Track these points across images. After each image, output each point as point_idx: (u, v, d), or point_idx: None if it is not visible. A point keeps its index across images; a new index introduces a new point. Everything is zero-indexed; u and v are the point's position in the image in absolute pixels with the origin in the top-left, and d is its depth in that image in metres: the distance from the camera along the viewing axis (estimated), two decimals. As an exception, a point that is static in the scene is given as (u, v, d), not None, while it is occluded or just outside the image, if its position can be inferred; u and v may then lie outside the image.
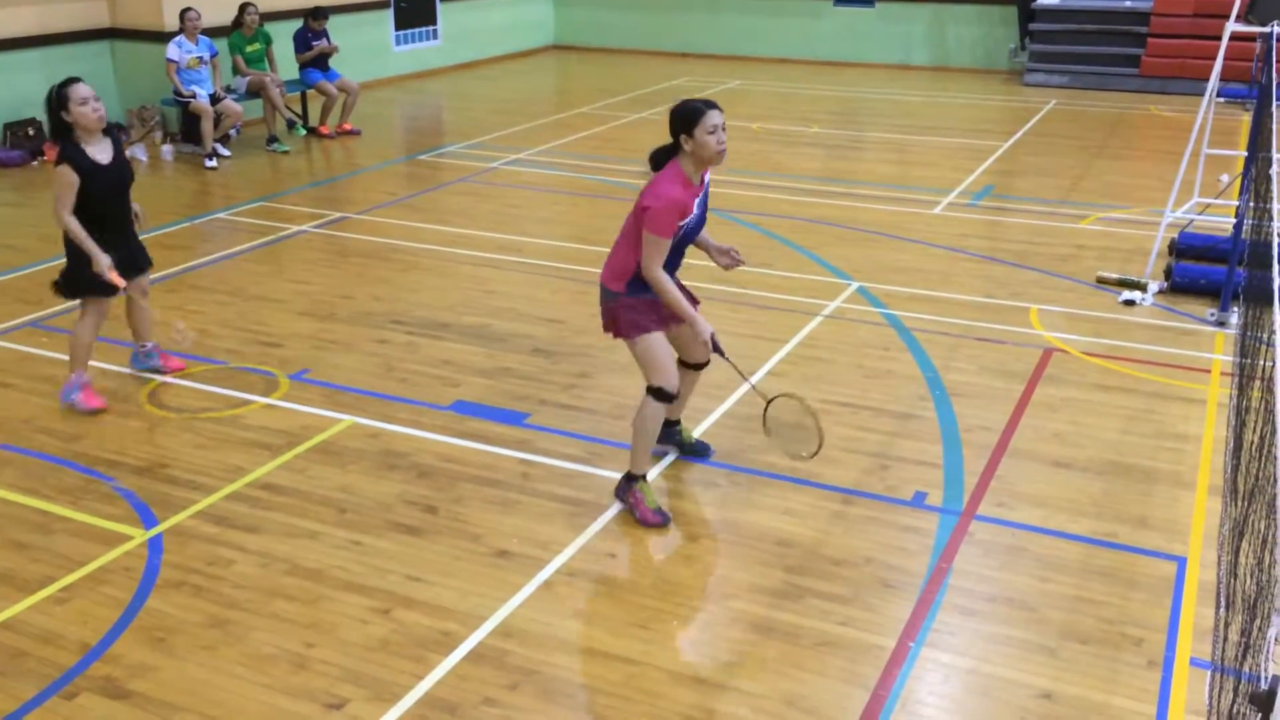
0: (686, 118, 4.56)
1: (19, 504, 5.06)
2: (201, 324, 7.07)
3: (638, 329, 4.79)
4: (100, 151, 5.73)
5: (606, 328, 4.94)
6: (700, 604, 4.37)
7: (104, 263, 5.69)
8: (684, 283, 4.93)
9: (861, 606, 4.33)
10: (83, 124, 5.63)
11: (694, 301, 4.87)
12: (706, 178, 4.79)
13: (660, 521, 4.86)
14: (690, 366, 5.22)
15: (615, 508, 5.00)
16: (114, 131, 5.88)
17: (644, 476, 4.95)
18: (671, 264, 4.79)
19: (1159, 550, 4.72)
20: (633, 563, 4.64)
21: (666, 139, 4.69)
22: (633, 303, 4.78)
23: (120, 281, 5.80)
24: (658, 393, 4.81)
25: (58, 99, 5.61)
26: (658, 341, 4.82)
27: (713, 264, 5.12)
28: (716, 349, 4.74)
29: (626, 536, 4.81)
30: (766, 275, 8.00)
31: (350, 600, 4.36)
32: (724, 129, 4.57)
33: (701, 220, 4.85)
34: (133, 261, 6.00)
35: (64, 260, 5.89)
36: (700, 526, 4.91)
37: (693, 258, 5.13)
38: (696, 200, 4.71)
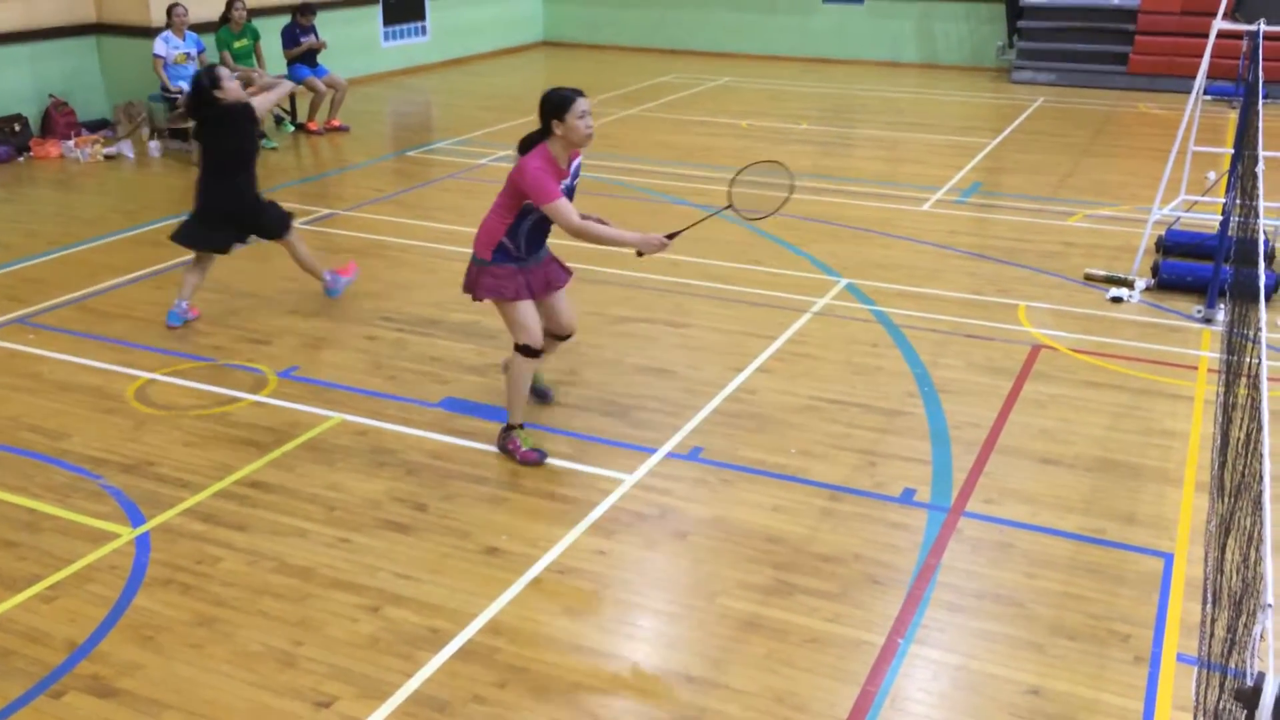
0: (558, 104, 5.00)
1: (6, 502, 5.03)
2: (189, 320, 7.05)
3: (496, 294, 5.19)
4: None
5: (466, 288, 5.30)
6: (689, 601, 4.38)
7: None
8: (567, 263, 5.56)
9: (850, 603, 4.34)
10: (233, 95, 6.64)
11: (601, 222, 5.19)
12: (576, 165, 5.17)
13: (538, 459, 5.31)
14: (554, 337, 5.59)
15: (604, 504, 5.00)
16: None
17: (520, 425, 5.40)
18: (536, 241, 5.22)
19: (1146, 546, 4.74)
20: (622, 560, 4.64)
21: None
22: (496, 270, 5.18)
23: None
24: (525, 349, 5.26)
25: (210, 81, 6.60)
26: (521, 306, 5.22)
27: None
28: (674, 236, 5.10)
29: (616, 534, 4.81)
30: (755, 271, 8.00)
31: (339, 598, 4.35)
32: (590, 115, 5.02)
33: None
34: None
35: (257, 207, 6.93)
36: (689, 524, 4.91)
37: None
38: (563, 184, 5.05)
